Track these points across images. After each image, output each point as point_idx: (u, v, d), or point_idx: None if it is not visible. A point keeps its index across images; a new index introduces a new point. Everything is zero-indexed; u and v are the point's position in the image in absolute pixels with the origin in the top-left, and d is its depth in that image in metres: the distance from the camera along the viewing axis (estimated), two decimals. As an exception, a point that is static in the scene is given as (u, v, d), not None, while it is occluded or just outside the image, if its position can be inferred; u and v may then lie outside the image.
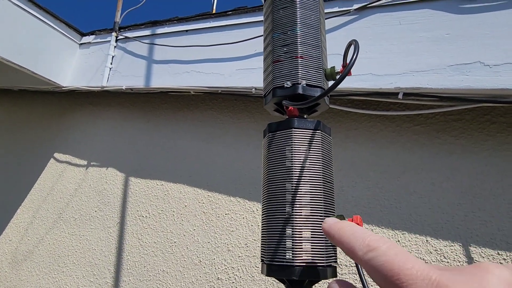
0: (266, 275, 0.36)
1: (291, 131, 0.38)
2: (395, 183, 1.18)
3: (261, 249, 0.39)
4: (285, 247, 0.35)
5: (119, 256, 1.68)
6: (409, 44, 1.12)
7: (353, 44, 0.37)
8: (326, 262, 0.34)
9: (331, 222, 0.29)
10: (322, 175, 0.37)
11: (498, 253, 0.97)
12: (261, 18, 1.48)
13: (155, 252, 1.58)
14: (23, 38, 1.89)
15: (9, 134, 2.74)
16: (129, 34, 1.97)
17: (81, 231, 1.90)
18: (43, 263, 1.95)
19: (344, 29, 1.26)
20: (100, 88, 1.97)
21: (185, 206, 1.60)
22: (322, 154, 0.38)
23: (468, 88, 0.98)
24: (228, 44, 1.54)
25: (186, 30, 1.74)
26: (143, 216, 1.71)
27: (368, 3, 1.22)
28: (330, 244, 0.35)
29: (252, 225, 1.39)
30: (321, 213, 0.36)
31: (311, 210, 0.35)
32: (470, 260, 0.99)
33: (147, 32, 1.90)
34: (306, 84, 0.40)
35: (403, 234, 1.11)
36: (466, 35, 1.03)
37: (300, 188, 0.36)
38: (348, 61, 0.37)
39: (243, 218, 1.42)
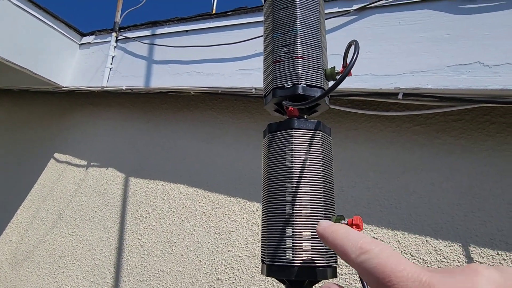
0: (266, 275, 0.36)
1: (291, 131, 0.38)
2: (395, 183, 1.18)
3: (261, 249, 0.39)
4: (285, 247, 0.35)
5: (119, 256, 1.69)
6: (409, 45, 1.12)
7: (353, 44, 0.38)
8: (326, 262, 0.34)
9: (325, 225, 0.29)
10: (322, 175, 0.37)
11: (498, 253, 0.97)
12: (261, 18, 1.48)
13: (155, 252, 1.58)
14: (23, 38, 1.89)
15: (9, 134, 2.74)
16: (129, 35, 1.97)
17: (81, 231, 1.90)
18: (43, 263, 1.95)
19: (344, 29, 1.26)
20: (100, 88, 1.97)
21: (185, 206, 1.60)
22: (322, 154, 0.38)
23: (468, 88, 0.98)
24: (228, 44, 1.54)
25: (186, 31, 1.74)
26: (143, 217, 1.71)
27: (368, 3, 1.22)
28: (330, 244, 0.35)
29: (252, 225, 1.39)
30: (321, 213, 0.36)
31: (311, 210, 0.36)
32: (469, 260, 1.00)
33: (147, 32, 1.90)
34: (306, 84, 0.40)
35: (402, 234, 1.11)
36: (465, 36, 1.03)
37: (300, 188, 0.36)
38: (348, 62, 0.37)
39: (243, 218, 1.42)
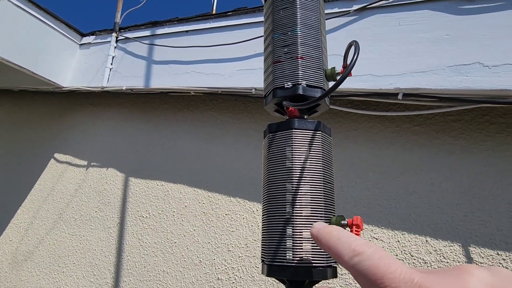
0: (267, 275, 0.36)
1: (292, 131, 0.38)
2: (394, 183, 1.18)
3: (262, 249, 0.39)
4: (285, 247, 0.35)
5: (119, 256, 1.69)
6: (409, 45, 1.12)
7: (354, 45, 0.38)
8: (326, 262, 0.35)
9: (318, 227, 0.30)
10: (323, 175, 0.37)
11: (498, 253, 0.97)
12: (261, 18, 1.48)
13: (155, 253, 1.58)
14: (23, 38, 1.89)
15: (9, 134, 2.74)
16: (129, 35, 1.98)
17: (81, 231, 1.90)
18: (44, 263, 1.95)
19: (344, 29, 1.27)
20: (100, 89, 1.97)
21: (185, 206, 1.60)
22: (322, 154, 0.38)
23: (467, 88, 0.98)
24: (228, 44, 1.54)
25: (186, 31, 1.74)
26: (143, 217, 1.71)
27: (368, 4, 1.22)
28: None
29: (252, 226, 1.39)
30: (322, 213, 0.36)
31: (311, 210, 0.36)
32: (469, 260, 1.00)
33: (147, 32, 1.90)
34: (306, 84, 0.41)
35: (402, 234, 1.11)
36: (465, 36, 1.03)
37: (300, 188, 0.36)
38: (348, 62, 0.37)
39: (243, 218, 1.42)
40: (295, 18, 0.44)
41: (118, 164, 1.96)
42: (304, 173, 0.37)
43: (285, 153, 0.38)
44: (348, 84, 1.15)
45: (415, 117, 1.23)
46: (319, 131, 0.39)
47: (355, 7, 1.25)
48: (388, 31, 1.17)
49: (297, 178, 0.37)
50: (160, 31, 1.85)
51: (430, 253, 1.05)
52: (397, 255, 1.09)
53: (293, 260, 0.34)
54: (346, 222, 0.35)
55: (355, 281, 1.12)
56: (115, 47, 2.01)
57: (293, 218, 0.35)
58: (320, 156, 0.38)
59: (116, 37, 2.02)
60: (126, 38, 1.98)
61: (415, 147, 1.19)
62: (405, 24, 1.15)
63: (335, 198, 0.39)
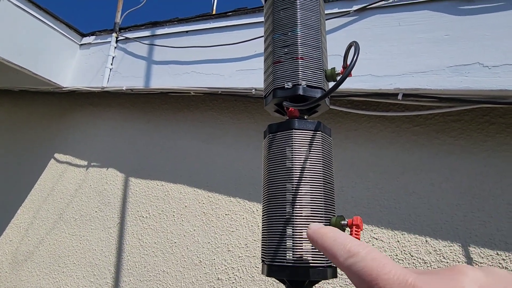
0: (267, 276, 0.36)
1: (292, 132, 0.38)
2: (394, 183, 1.18)
3: (262, 249, 0.39)
4: (285, 247, 0.35)
5: (120, 256, 1.69)
6: (409, 45, 1.12)
7: (354, 45, 0.38)
8: (327, 262, 0.35)
9: (314, 228, 0.30)
10: (323, 176, 0.37)
11: (497, 253, 0.97)
12: (261, 19, 1.48)
13: (155, 253, 1.58)
14: (23, 38, 1.89)
15: (10, 134, 2.74)
16: (130, 35, 1.98)
17: (81, 231, 1.90)
18: (44, 263, 1.95)
19: (344, 30, 1.27)
20: (100, 89, 1.97)
21: (185, 206, 1.60)
22: (322, 154, 0.38)
23: (467, 89, 0.98)
24: (228, 45, 1.54)
25: (186, 31, 1.74)
26: (143, 217, 1.71)
27: (368, 4, 1.22)
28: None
29: (252, 226, 1.39)
30: (322, 213, 0.36)
31: (311, 210, 0.36)
32: (469, 260, 1.00)
33: (147, 33, 1.90)
34: (306, 85, 0.41)
35: (402, 234, 1.11)
36: (465, 36, 1.04)
37: (300, 188, 0.36)
38: (348, 63, 0.37)
39: (243, 218, 1.42)
40: (295, 19, 0.44)
41: (118, 164, 1.96)
42: (304, 173, 0.37)
43: (285, 153, 0.38)
44: (348, 85, 1.15)
45: (415, 118, 1.23)
46: (319, 131, 0.39)
47: (355, 7, 1.25)
48: (388, 31, 1.17)
49: (297, 178, 0.37)
50: (160, 31, 1.85)
51: (430, 253, 1.05)
52: (397, 255, 1.10)
53: (293, 260, 0.34)
54: (346, 222, 0.35)
55: (355, 281, 1.12)
56: (115, 47, 2.01)
57: (293, 218, 0.35)
58: (320, 156, 0.38)
59: (116, 37, 2.02)
60: (126, 38, 1.98)
61: (415, 147, 1.19)
62: (405, 25, 1.15)
63: (335, 198, 0.39)
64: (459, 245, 1.02)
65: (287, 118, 0.42)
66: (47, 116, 2.57)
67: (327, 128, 0.41)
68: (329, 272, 0.35)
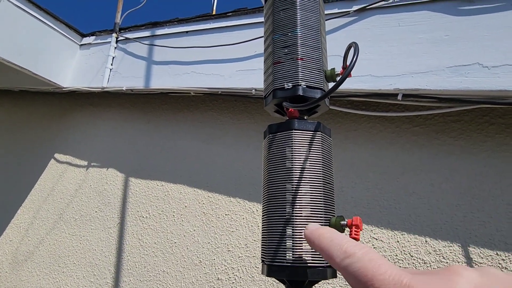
0: (267, 276, 0.37)
1: (291, 132, 0.38)
2: (394, 184, 1.18)
3: (262, 249, 0.39)
4: (285, 248, 0.35)
5: (120, 256, 1.69)
6: (408, 46, 1.12)
7: (353, 46, 0.38)
8: (326, 263, 0.35)
9: (312, 228, 0.30)
10: (322, 176, 0.37)
11: (497, 254, 0.97)
12: (261, 19, 1.49)
13: (155, 253, 1.59)
14: (23, 39, 1.89)
15: (10, 135, 2.74)
16: (130, 35, 1.98)
17: (81, 231, 1.90)
18: (44, 263, 1.95)
19: (343, 30, 1.27)
20: (100, 89, 1.97)
21: (185, 206, 1.60)
22: (322, 155, 0.38)
23: (467, 89, 0.98)
24: (228, 45, 1.54)
25: (186, 31, 1.74)
26: (143, 217, 1.71)
27: (367, 4, 1.22)
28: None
29: (252, 226, 1.39)
30: (321, 213, 0.36)
31: (311, 210, 0.36)
32: (469, 260, 1.00)
33: (147, 33, 1.90)
34: (306, 85, 0.41)
35: (402, 234, 1.11)
36: (465, 37, 1.04)
37: (300, 188, 0.36)
38: (348, 63, 0.37)
39: (243, 218, 1.42)
40: (295, 19, 0.44)
41: (118, 164, 1.96)
42: (304, 174, 0.37)
43: (285, 154, 0.38)
44: (348, 85, 1.15)
45: (415, 118, 1.23)
46: (318, 131, 0.39)
47: (355, 7, 1.25)
48: (388, 31, 1.17)
49: (297, 179, 0.37)
50: (160, 31, 1.85)
51: (430, 253, 1.05)
52: (396, 255, 1.10)
53: (293, 260, 0.34)
54: (345, 222, 0.35)
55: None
56: (115, 48, 2.01)
57: (293, 218, 0.35)
58: (319, 157, 0.38)
59: (116, 38, 2.02)
60: (126, 38, 1.99)
61: (415, 148, 1.20)
62: (405, 25, 1.15)
63: (335, 198, 0.39)
64: (459, 246, 1.02)
65: (287, 118, 0.42)
66: (47, 116, 2.57)
67: (326, 129, 0.41)
68: (328, 272, 0.35)
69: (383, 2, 1.19)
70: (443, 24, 1.09)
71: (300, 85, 0.41)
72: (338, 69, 0.42)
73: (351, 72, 0.36)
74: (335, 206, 0.39)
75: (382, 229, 1.15)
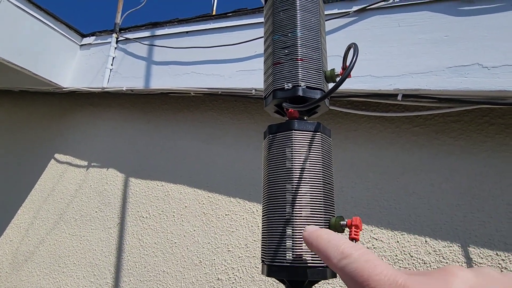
0: (266, 276, 0.37)
1: (291, 133, 0.39)
2: (394, 184, 1.19)
3: (262, 249, 0.39)
4: (285, 248, 0.35)
5: (120, 256, 1.69)
6: (408, 46, 1.12)
7: (353, 47, 0.38)
8: (326, 262, 0.35)
9: (310, 230, 0.30)
10: (322, 176, 0.38)
11: (497, 254, 0.97)
12: (261, 19, 1.49)
13: (156, 253, 1.59)
14: (24, 39, 1.89)
15: (10, 135, 2.74)
16: (130, 36, 1.98)
17: (81, 231, 1.90)
18: (44, 263, 1.95)
19: (343, 31, 1.27)
20: (100, 89, 1.97)
21: (186, 206, 1.60)
22: (322, 155, 0.38)
23: (467, 89, 0.98)
24: (228, 45, 1.54)
25: (187, 32, 1.74)
26: (143, 217, 1.71)
27: (367, 5, 1.22)
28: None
29: (252, 226, 1.39)
30: (321, 213, 0.36)
31: (311, 210, 0.36)
32: (469, 260, 1.00)
33: (147, 33, 1.91)
34: (306, 86, 0.41)
35: (402, 234, 1.11)
36: (464, 37, 1.04)
37: (300, 188, 0.37)
38: (347, 64, 0.37)
39: (243, 219, 1.42)
40: (295, 20, 0.44)
41: (118, 164, 1.96)
42: (304, 174, 0.37)
43: (285, 154, 0.38)
44: (348, 85, 1.15)
45: (415, 118, 1.23)
46: (318, 132, 0.39)
47: (355, 8, 1.25)
48: (388, 32, 1.18)
49: (297, 179, 0.37)
50: (160, 32, 1.85)
51: (430, 253, 1.05)
52: (396, 255, 1.10)
53: (293, 260, 0.34)
54: (345, 222, 0.35)
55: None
56: (115, 48, 2.01)
57: (292, 218, 0.36)
58: (319, 157, 0.38)
59: (117, 38, 2.02)
60: (127, 39, 1.99)
61: (415, 148, 1.20)
62: (405, 25, 1.15)
63: (335, 198, 0.40)
64: (459, 246, 1.03)
65: (287, 119, 0.42)
66: (47, 117, 2.57)
67: (326, 129, 0.41)
68: (328, 272, 0.35)
69: (383, 3, 1.20)
70: (443, 24, 1.09)
71: (300, 85, 0.41)
72: (338, 70, 0.42)
73: (351, 73, 0.36)
74: (335, 206, 0.39)
75: (382, 229, 1.15)
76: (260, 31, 1.46)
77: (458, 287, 0.20)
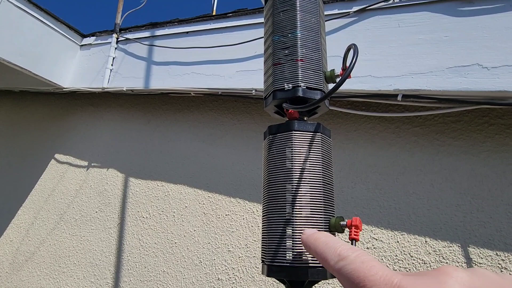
0: (267, 276, 0.37)
1: (291, 133, 0.39)
2: (394, 184, 1.19)
3: (262, 249, 0.39)
4: (285, 248, 0.35)
5: (120, 256, 1.69)
6: (408, 46, 1.12)
7: (353, 48, 0.38)
8: (326, 262, 0.35)
9: (308, 234, 0.31)
10: (322, 176, 0.38)
11: (497, 254, 0.97)
12: (261, 20, 1.49)
13: (156, 253, 1.59)
14: (24, 39, 1.89)
15: (10, 135, 2.75)
16: (130, 36, 1.98)
17: (82, 232, 1.90)
18: (44, 264, 1.95)
19: (343, 31, 1.27)
20: (101, 89, 1.97)
21: (186, 207, 1.60)
22: (322, 155, 0.39)
23: (467, 90, 0.99)
24: (228, 46, 1.54)
25: (187, 32, 1.75)
26: (143, 217, 1.71)
27: (367, 5, 1.22)
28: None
29: (252, 226, 1.39)
30: (321, 213, 0.36)
31: (311, 210, 0.36)
32: (468, 260, 1.00)
33: (147, 33, 1.91)
34: (306, 87, 0.41)
35: (402, 235, 1.11)
36: (464, 38, 1.04)
37: (300, 189, 0.37)
38: (347, 65, 0.37)
39: (243, 219, 1.42)
40: (295, 20, 0.44)
41: (118, 164, 1.96)
42: (304, 174, 0.37)
43: (285, 154, 0.38)
44: (348, 85, 1.15)
45: (415, 118, 1.23)
46: (318, 132, 0.39)
47: (355, 8, 1.25)
48: (388, 32, 1.18)
49: (297, 179, 0.37)
50: (160, 32, 1.85)
51: (430, 253, 1.06)
52: (396, 255, 1.10)
53: (293, 260, 0.35)
54: (345, 223, 0.35)
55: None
56: (115, 48, 2.01)
57: (293, 219, 0.36)
58: (319, 158, 0.38)
59: (117, 38, 2.02)
60: (127, 39, 1.99)
61: (415, 148, 1.20)
62: (405, 26, 1.15)
63: (335, 198, 0.40)
64: (459, 246, 1.03)
65: (287, 119, 0.42)
66: (47, 117, 2.57)
67: (326, 130, 0.41)
68: (328, 272, 0.35)
69: (383, 3, 1.20)
70: (443, 24, 1.09)
71: (300, 86, 0.41)
72: (338, 70, 0.42)
73: (351, 73, 0.36)
74: (335, 207, 0.39)
75: (382, 229, 1.15)
76: (260, 31, 1.46)
77: (452, 286, 0.20)
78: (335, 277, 0.36)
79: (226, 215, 1.47)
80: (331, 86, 0.41)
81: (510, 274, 0.94)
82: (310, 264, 0.34)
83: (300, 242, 0.35)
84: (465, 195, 1.07)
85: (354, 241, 0.33)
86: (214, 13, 1.94)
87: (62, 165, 2.23)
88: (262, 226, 0.40)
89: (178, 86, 1.66)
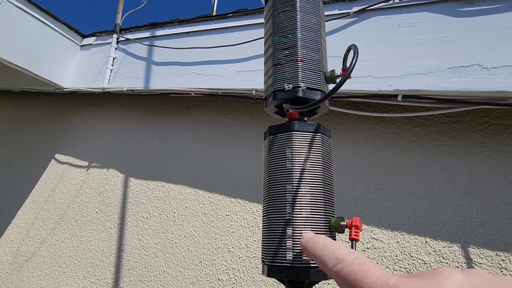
0: (267, 276, 0.37)
1: (292, 133, 0.39)
2: (394, 184, 1.19)
3: (262, 249, 0.39)
4: (285, 248, 0.35)
5: (120, 257, 1.69)
6: (408, 47, 1.12)
7: (353, 48, 0.38)
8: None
9: (307, 237, 0.31)
10: (322, 177, 0.38)
11: (497, 254, 0.97)
12: (262, 20, 1.49)
13: (156, 253, 1.59)
14: (24, 39, 1.89)
15: (10, 135, 2.75)
16: (130, 36, 1.98)
17: (82, 232, 1.90)
18: (45, 264, 1.96)
19: (343, 31, 1.27)
20: (101, 90, 1.97)
21: (186, 207, 1.60)
22: (322, 156, 0.39)
23: (467, 90, 0.99)
24: (228, 46, 1.55)
25: (187, 32, 1.75)
26: (144, 217, 1.71)
27: (367, 5, 1.22)
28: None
29: (252, 226, 1.39)
30: (321, 214, 0.36)
31: (311, 210, 0.36)
32: (469, 261, 1.00)
33: (148, 34, 1.91)
34: (306, 87, 0.41)
35: (402, 235, 1.11)
36: (464, 38, 1.04)
37: (300, 189, 0.37)
38: (347, 65, 0.37)
39: (244, 219, 1.42)
40: (295, 21, 0.44)
41: (119, 165, 1.96)
42: (304, 174, 0.37)
43: (286, 155, 0.38)
44: (348, 86, 1.15)
45: (415, 119, 1.23)
46: (318, 133, 0.39)
47: (355, 9, 1.25)
48: (388, 33, 1.18)
49: (297, 179, 0.37)
50: (160, 32, 1.85)
51: (430, 253, 1.06)
52: (396, 256, 1.10)
53: (293, 260, 0.35)
54: (345, 223, 0.35)
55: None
56: (115, 48, 2.01)
57: (293, 219, 0.36)
58: (319, 158, 0.38)
59: (117, 38, 2.02)
60: (127, 39, 1.99)
61: (415, 148, 1.20)
62: (405, 26, 1.15)
63: (335, 199, 0.40)
64: (459, 246, 1.03)
65: (287, 119, 0.42)
66: (48, 117, 2.57)
67: (326, 130, 0.41)
68: (328, 272, 0.35)
69: (383, 4, 1.20)
70: (443, 25, 1.09)
71: (300, 86, 0.41)
72: (338, 71, 0.42)
73: (351, 74, 0.36)
74: (335, 207, 0.39)
75: (382, 229, 1.15)
76: (261, 32, 1.46)
77: (448, 287, 0.20)
78: (335, 278, 0.36)
79: (226, 215, 1.48)
80: (331, 86, 0.41)
81: (510, 274, 0.94)
82: (310, 264, 0.34)
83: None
84: (465, 195, 1.07)
85: (354, 241, 0.33)
86: (214, 14, 1.94)
87: (63, 165, 2.23)
88: (263, 226, 0.40)
89: (178, 86, 1.66)
